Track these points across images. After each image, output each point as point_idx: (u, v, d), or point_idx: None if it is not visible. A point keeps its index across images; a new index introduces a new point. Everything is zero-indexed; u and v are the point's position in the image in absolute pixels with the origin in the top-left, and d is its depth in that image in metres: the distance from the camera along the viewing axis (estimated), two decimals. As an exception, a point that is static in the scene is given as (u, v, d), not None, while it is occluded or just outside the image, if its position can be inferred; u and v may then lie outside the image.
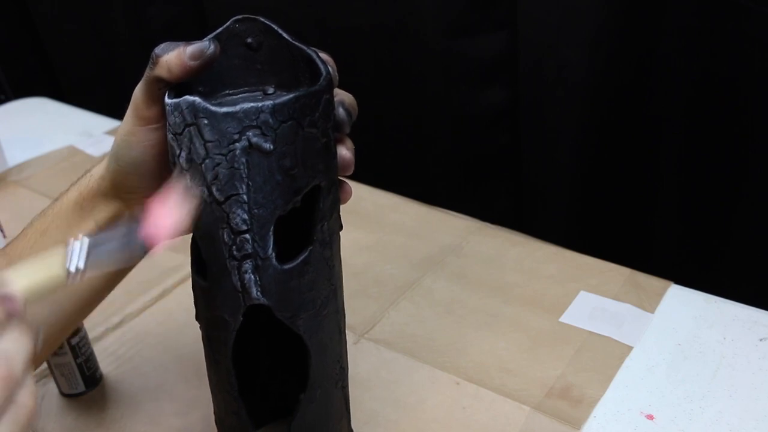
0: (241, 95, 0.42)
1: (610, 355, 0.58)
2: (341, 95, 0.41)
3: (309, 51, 0.39)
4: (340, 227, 0.43)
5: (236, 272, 0.38)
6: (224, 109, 0.35)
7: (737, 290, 0.65)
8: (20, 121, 1.14)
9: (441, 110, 1.06)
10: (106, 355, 0.62)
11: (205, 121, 0.36)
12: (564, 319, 0.62)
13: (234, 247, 0.37)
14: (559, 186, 1.02)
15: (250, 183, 0.36)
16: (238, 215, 0.37)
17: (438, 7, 0.97)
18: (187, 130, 0.36)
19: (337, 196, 0.41)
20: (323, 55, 0.40)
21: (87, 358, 0.58)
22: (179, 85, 0.39)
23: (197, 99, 0.36)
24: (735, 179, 0.86)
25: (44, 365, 0.58)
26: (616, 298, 0.64)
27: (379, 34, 1.05)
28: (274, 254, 0.37)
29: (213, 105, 0.35)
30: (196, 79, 0.40)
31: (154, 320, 0.66)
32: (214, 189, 0.37)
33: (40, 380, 0.60)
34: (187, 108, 0.36)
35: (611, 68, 0.90)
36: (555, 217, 1.05)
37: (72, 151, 0.99)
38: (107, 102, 1.13)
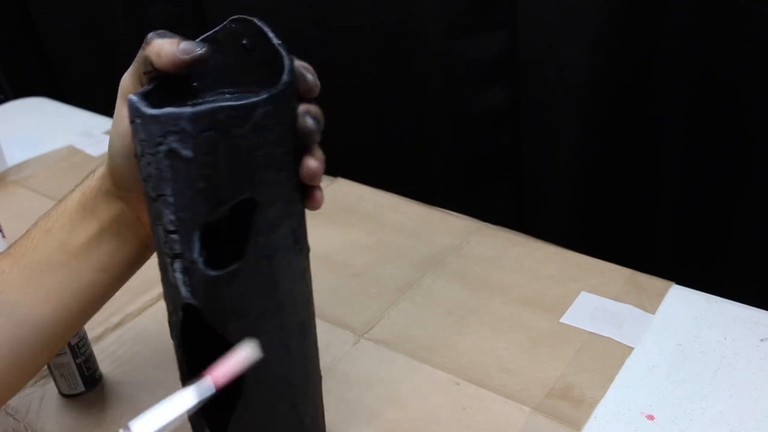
0: (233, 94, 0.42)
1: (610, 355, 0.58)
2: (306, 105, 0.40)
3: (285, 59, 0.38)
4: (299, 247, 0.41)
5: (170, 269, 0.39)
6: (151, 111, 0.36)
7: (738, 290, 0.65)
8: (20, 121, 1.14)
9: (442, 110, 1.06)
10: (106, 355, 0.62)
11: (139, 120, 0.37)
12: (564, 319, 0.62)
13: (166, 244, 0.38)
14: (561, 186, 1.02)
15: (174, 186, 0.37)
16: (167, 215, 0.38)
17: (438, 7, 0.97)
18: (132, 125, 0.38)
19: (289, 213, 0.40)
20: (300, 63, 0.39)
21: (86, 358, 0.57)
22: (175, 78, 0.39)
23: (135, 98, 0.37)
24: (736, 179, 0.86)
25: (44, 365, 0.58)
26: (616, 298, 0.64)
27: (379, 34, 1.05)
28: (201, 259, 0.38)
29: (149, 106, 0.36)
30: (192, 75, 0.40)
31: (154, 320, 0.66)
32: (149, 186, 0.38)
33: (40, 380, 0.60)
34: (131, 105, 0.37)
35: (612, 68, 0.90)
36: (556, 217, 1.05)
37: (72, 151, 0.99)
38: (107, 102, 1.12)
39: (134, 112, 0.37)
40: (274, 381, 0.43)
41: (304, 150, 0.40)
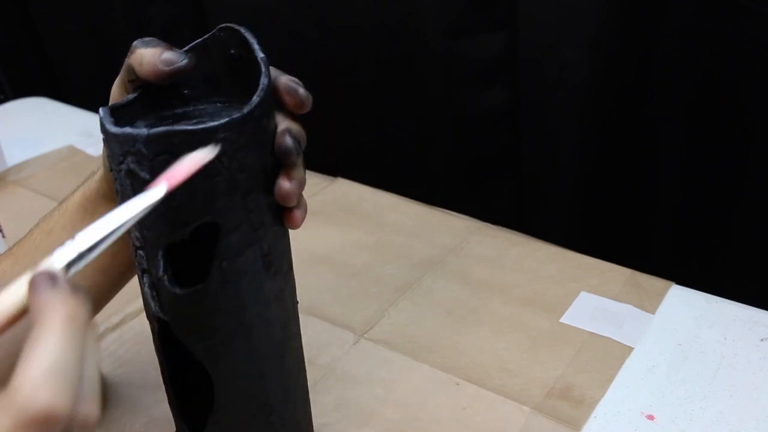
0: (223, 104, 0.41)
1: (610, 355, 0.58)
2: (287, 123, 0.38)
3: (263, 77, 0.37)
4: (272, 268, 0.41)
5: (141, 282, 0.39)
6: (112, 130, 0.35)
7: (738, 290, 0.65)
8: (20, 121, 1.14)
9: (442, 110, 1.06)
10: (106, 355, 0.62)
11: (104, 137, 0.36)
12: (564, 319, 0.62)
13: (136, 259, 0.38)
14: (561, 186, 1.02)
15: None
16: (133, 232, 0.37)
17: (438, 7, 0.97)
18: (103, 139, 0.38)
19: (261, 235, 0.39)
20: (288, 78, 0.38)
21: (86, 358, 0.57)
22: (162, 86, 0.39)
23: (103, 112, 0.36)
24: (736, 179, 0.86)
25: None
26: (616, 298, 0.64)
27: (379, 34, 1.05)
28: (166, 277, 0.37)
29: (118, 120, 0.36)
30: (182, 82, 0.39)
31: (153, 320, 0.66)
32: (119, 200, 0.38)
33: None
34: (99, 119, 0.37)
35: (612, 68, 0.90)
36: (556, 217, 1.05)
37: (72, 151, 0.99)
38: (107, 102, 1.12)
39: (101, 126, 0.36)
40: (247, 400, 0.43)
41: (284, 168, 0.38)
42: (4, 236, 0.72)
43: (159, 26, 1.30)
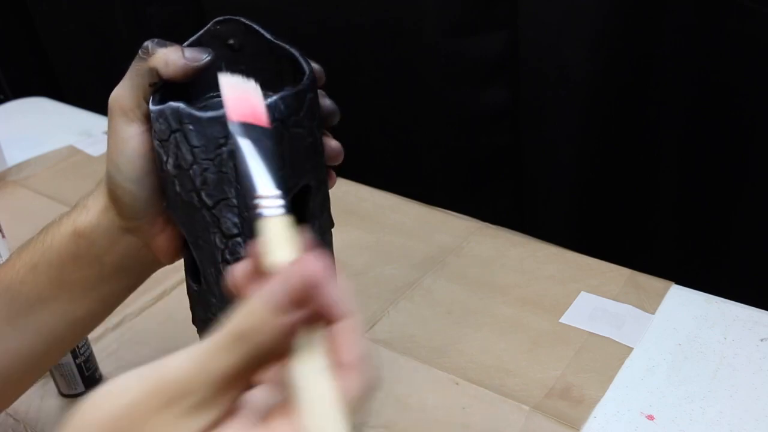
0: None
1: (610, 355, 0.58)
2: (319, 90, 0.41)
3: (292, 50, 0.39)
4: (332, 224, 0.43)
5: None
6: (209, 114, 0.35)
7: (738, 290, 0.65)
8: (19, 121, 1.14)
9: (441, 110, 1.06)
10: (106, 355, 0.62)
11: (191, 127, 0.36)
12: (564, 319, 0.62)
13: (227, 250, 0.37)
14: (561, 186, 1.02)
15: (239, 186, 0.36)
16: (229, 219, 0.37)
17: (438, 6, 0.97)
18: (172, 136, 0.36)
19: (326, 193, 0.42)
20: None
21: (86, 358, 0.57)
22: (162, 90, 0.39)
23: (181, 105, 0.36)
24: (735, 179, 0.86)
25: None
26: (616, 298, 0.64)
27: (379, 33, 1.05)
28: None
29: (197, 110, 0.35)
30: (177, 84, 0.39)
31: (154, 320, 0.66)
32: (203, 194, 0.37)
33: (40, 381, 0.60)
34: (171, 114, 0.36)
35: (612, 68, 0.90)
36: (556, 217, 1.05)
37: (72, 151, 0.99)
38: (106, 102, 1.12)
39: (186, 118, 0.35)
40: None
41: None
42: (3, 236, 0.71)
43: (158, 25, 1.30)
